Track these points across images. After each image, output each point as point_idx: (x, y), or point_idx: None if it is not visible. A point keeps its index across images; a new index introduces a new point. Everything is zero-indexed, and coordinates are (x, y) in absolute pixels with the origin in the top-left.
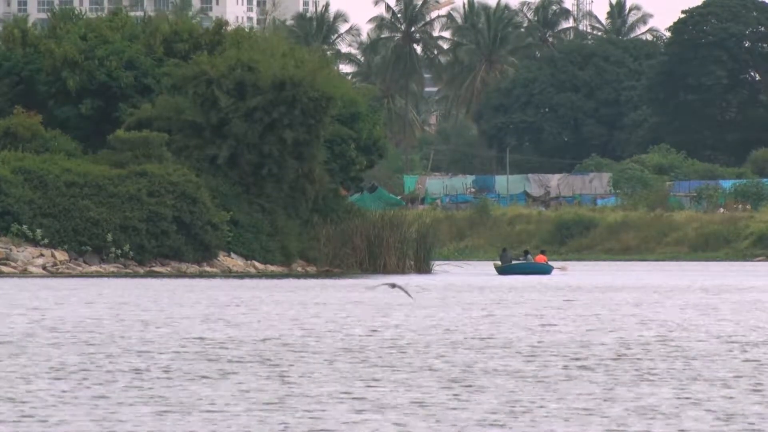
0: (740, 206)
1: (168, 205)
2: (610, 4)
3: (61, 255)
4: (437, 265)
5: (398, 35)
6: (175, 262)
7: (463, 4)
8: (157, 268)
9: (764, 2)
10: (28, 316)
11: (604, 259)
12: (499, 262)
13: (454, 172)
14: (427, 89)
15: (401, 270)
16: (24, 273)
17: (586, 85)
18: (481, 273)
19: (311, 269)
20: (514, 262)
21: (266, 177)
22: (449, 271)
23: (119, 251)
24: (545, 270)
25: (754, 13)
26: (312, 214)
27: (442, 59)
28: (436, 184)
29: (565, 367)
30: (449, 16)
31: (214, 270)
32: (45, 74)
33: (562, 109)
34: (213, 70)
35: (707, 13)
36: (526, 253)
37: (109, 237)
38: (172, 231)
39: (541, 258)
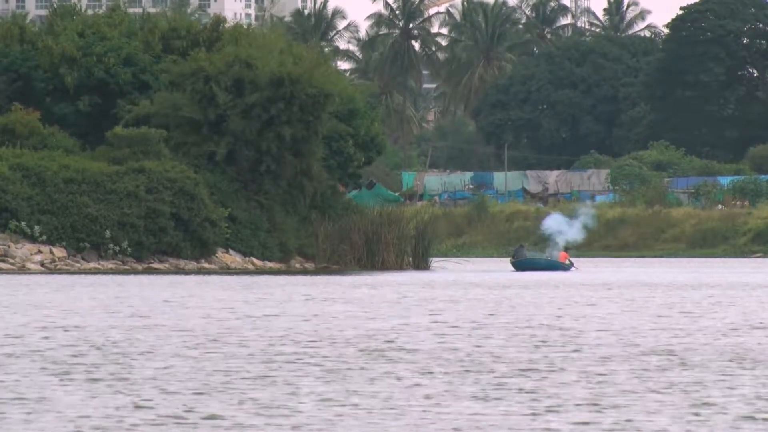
0: (738, 203)
1: (166, 201)
2: (608, 1)
3: (59, 252)
4: (435, 262)
5: (396, 32)
6: (173, 259)
7: (462, 0)
8: (155, 265)
9: None
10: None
11: (602, 256)
12: (517, 257)
13: (452, 168)
14: (425, 86)
15: (399, 267)
16: (22, 269)
17: (584, 81)
18: (501, 269)
19: (309, 266)
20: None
21: (264, 173)
22: (446, 268)
23: (117, 248)
24: (563, 267)
25: (752, 10)
26: (310, 210)
27: (440, 56)
28: (434, 180)
29: None
30: (447, 12)
31: (212, 267)
32: (43, 71)
33: (560, 106)
34: (211, 67)
35: (705, 9)
36: None
37: (108, 234)
38: (170, 228)
39: (562, 255)
